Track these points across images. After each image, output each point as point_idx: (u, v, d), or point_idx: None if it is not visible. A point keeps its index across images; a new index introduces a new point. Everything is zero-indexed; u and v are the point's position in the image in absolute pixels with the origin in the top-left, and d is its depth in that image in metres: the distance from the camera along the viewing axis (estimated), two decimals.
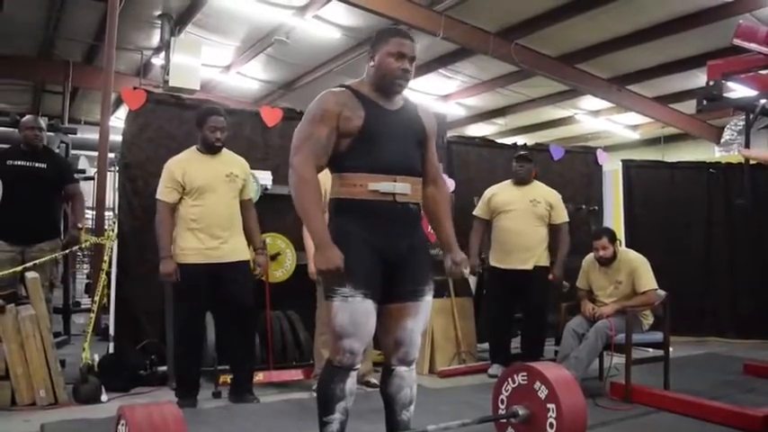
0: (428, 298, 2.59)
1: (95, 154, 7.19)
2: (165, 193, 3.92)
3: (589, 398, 3.68)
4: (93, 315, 4.53)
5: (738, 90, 4.97)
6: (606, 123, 15.17)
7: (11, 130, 6.18)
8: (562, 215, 5.09)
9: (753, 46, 4.45)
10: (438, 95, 13.53)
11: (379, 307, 2.46)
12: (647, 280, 4.42)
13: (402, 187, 2.47)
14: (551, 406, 2.80)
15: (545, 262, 4.98)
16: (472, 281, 5.73)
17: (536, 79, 11.64)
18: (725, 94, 4.67)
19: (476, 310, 5.63)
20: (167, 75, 9.80)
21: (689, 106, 12.77)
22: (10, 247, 4.57)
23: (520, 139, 7.75)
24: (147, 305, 4.79)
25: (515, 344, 5.67)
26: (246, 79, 12.90)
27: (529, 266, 4.88)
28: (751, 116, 4.69)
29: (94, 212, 7.52)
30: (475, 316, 5.58)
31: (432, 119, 2.72)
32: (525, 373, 2.98)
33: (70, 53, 11.65)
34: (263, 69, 12.43)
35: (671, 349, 4.49)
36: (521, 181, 5.08)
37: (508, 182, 5.19)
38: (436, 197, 2.73)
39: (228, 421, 3.58)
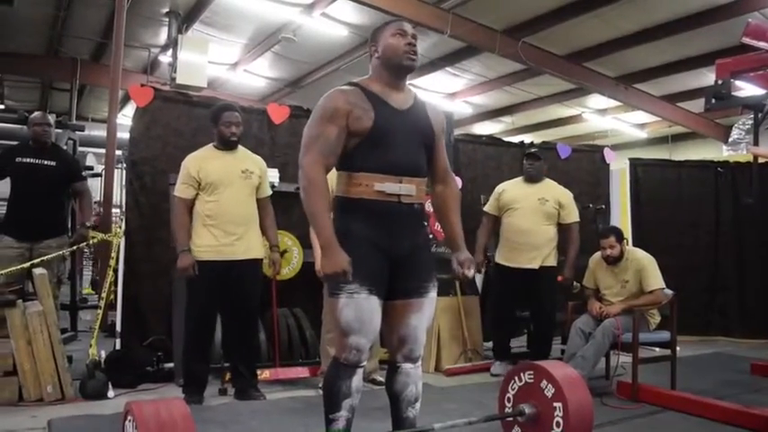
0: (432, 294, 2.58)
1: (103, 151, 7.24)
2: (181, 189, 3.95)
3: (596, 397, 3.69)
4: (99, 311, 4.54)
5: (747, 89, 4.94)
6: (613, 122, 15.12)
7: (18, 126, 6.20)
8: (573, 215, 5.02)
9: (762, 44, 4.43)
10: (445, 93, 13.52)
11: (383, 304, 2.46)
12: (655, 279, 4.41)
13: (407, 188, 2.47)
14: (558, 405, 2.80)
15: (552, 262, 4.93)
16: (479, 279, 5.73)
17: (543, 77, 11.62)
18: (733, 93, 4.64)
19: (482, 308, 5.62)
20: (175, 72, 9.82)
21: (697, 105, 12.73)
22: (18, 243, 4.59)
23: (527, 138, 7.74)
24: (153, 302, 4.81)
25: (521, 342, 5.68)
26: (253, 77, 12.92)
27: (535, 266, 4.84)
28: (759, 115, 4.66)
29: (102, 209, 7.56)
30: (481, 314, 5.57)
31: (441, 117, 2.71)
32: (532, 372, 2.97)
33: (78, 51, 11.68)
34: (270, 67, 12.44)
35: (678, 348, 4.48)
36: (531, 179, 5.05)
37: (519, 179, 5.17)
38: (445, 195, 2.72)
39: (235, 418, 3.59)
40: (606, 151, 7.09)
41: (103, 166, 7.34)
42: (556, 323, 5.11)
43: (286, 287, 4.81)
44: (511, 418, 3.02)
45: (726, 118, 13.52)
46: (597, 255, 4.67)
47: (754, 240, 7.06)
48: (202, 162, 3.96)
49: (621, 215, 7.42)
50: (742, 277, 7.11)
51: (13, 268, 4.34)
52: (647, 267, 4.44)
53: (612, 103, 13.43)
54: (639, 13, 9.17)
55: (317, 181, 2.38)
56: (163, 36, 10.74)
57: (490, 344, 5.41)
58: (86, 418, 3.54)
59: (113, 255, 4.66)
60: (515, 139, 7.22)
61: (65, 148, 6.00)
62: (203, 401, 3.93)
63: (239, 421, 3.53)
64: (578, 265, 4.99)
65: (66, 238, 4.82)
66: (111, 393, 4.02)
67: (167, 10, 9.98)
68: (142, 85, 5.17)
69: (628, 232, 6.75)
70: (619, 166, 7.66)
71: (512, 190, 5.04)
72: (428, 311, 2.58)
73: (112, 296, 5.04)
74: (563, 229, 5.00)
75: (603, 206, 6.63)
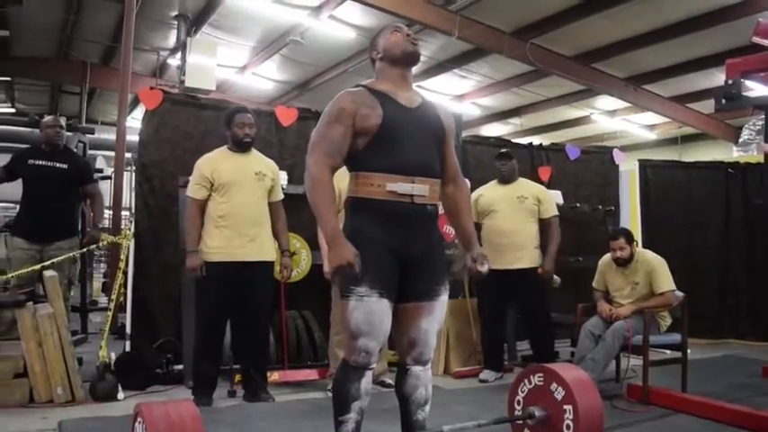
0: (444, 298, 2.57)
1: (112, 154, 7.27)
2: (194, 190, 3.96)
3: (606, 399, 3.66)
4: (109, 313, 4.56)
5: (757, 89, 4.91)
6: (622, 123, 15.08)
7: (29, 130, 6.24)
8: (551, 209, 5.02)
9: None
10: (453, 95, 13.51)
11: (393, 306, 2.45)
12: (665, 281, 4.38)
13: (420, 189, 2.45)
14: (568, 407, 2.78)
15: (538, 263, 4.89)
16: None
17: (551, 79, 11.60)
18: (744, 93, 4.62)
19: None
20: (183, 75, 9.88)
21: (706, 106, 12.68)
22: (29, 245, 4.62)
23: (535, 140, 7.70)
24: (163, 304, 4.83)
25: (524, 346, 5.63)
26: (262, 80, 12.96)
27: (521, 265, 4.78)
28: None
29: (111, 212, 7.59)
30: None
31: (450, 118, 2.71)
32: (542, 375, 2.96)
33: (87, 54, 11.77)
34: (278, 70, 12.49)
35: (689, 351, 4.45)
36: (505, 179, 5.03)
37: (493, 182, 5.14)
38: (456, 196, 2.71)
39: (244, 420, 3.59)
40: (615, 152, 7.07)
41: (113, 169, 7.37)
42: (552, 323, 5.09)
43: (295, 289, 4.81)
44: (520, 421, 3.01)
45: (736, 119, 13.46)
46: (607, 256, 4.64)
47: (765, 241, 7.01)
48: (216, 163, 3.97)
49: (631, 217, 7.38)
50: (753, 279, 7.05)
51: (24, 270, 4.36)
52: (657, 269, 4.41)
53: (621, 104, 13.40)
54: (648, 14, 9.14)
55: (321, 179, 2.40)
56: (172, 39, 10.80)
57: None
58: (96, 419, 3.55)
59: (123, 257, 4.68)
60: (524, 140, 7.20)
61: (75, 150, 6.03)
62: (213, 403, 3.93)
63: (248, 423, 3.53)
64: (585, 266, 4.96)
65: (76, 240, 4.85)
66: (120, 395, 4.03)
67: (176, 13, 10.04)
68: (151, 88, 5.19)
69: (638, 234, 6.71)
70: (628, 168, 7.63)
71: (488, 194, 5.01)
72: (439, 315, 2.57)
73: (122, 298, 5.06)
74: (543, 224, 4.98)
75: (613, 208, 6.61)
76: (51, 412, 3.67)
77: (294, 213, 4.80)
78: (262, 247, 3.98)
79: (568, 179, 6.66)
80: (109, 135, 9.47)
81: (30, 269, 4.38)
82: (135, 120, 11.67)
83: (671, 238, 6.84)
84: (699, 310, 5.30)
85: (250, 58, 11.87)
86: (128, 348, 4.57)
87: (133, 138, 5.98)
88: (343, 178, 2.59)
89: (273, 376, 4.38)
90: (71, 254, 4.65)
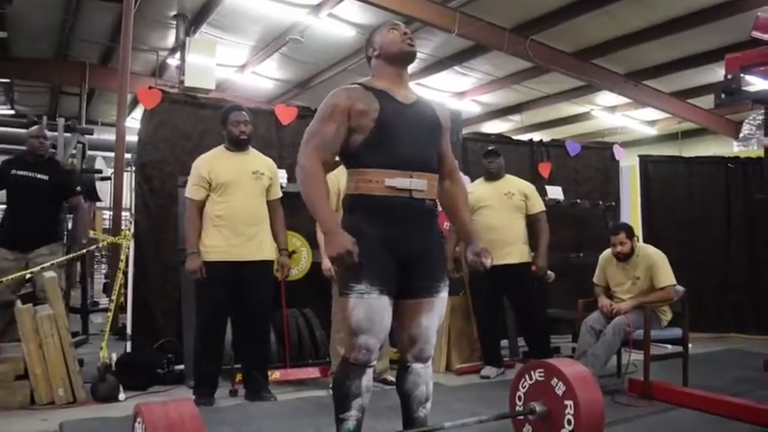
0: (443, 294, 2.57)
1: (112, 154, 7.27)
2: (192, 190, 3.96)
3: (607, 394, 3.66)
4: (110, 314, 4.56)
5: (757, 84, 4.89)
6: (623, 119, 15.08)
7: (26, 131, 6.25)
8: (539, 205, 5.02)
9: None
10: (453, 92, 13.51)
11: (394, 303, 2.45)
12: (666, 275, 4.37)
13: (418, 183, 2.45)
14: (569, 402, 2.78)
15: (527, 258, 4.88)
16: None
17: (552, 75, 11.60)
18: (744, 88, 4.60)
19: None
20: (183, 75, 9.88)
21: (707, 101, 12.68)
22: (13, 255, 4.64)
23: (536, 136, 7.70)
24: (163, 304, 4.83)
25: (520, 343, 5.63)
26: (261, 78, 12.96)
27: (510, 261, 4.76)
28: None
29: (112, 213, 7.60)
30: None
31: (446, 114, 2.71)
32: (542, 370, 2.95)
33: (86, 55, 11.78)
34: (277, 68, 12.49)
35: (690, 345, 4.44)
36: (492, 176, 5.03)
37: (480, 179, 5.14)
38: (454, 192, 2.71)
39: (245, 419, 3.58)
40: (616, 148, 7.06)
41: (113, 170, 7.37)
42: (546, 318, 5.08)
43: (295, 288, 4.81)
44: (522, 417, 3.00)
45: (736, 114, 13.45)
46: (608, 252, 4.63)
47: (766, 235, 7.00)
48: (213, 163, 3.97)
49: (632, 212, 7.38)
50: (754, 273, 7.05)
51: (9, 277, 4.36)
52: (657, 264, 4.40)
53: (622, 100, 13.40)
54: (648, 10, 9.13)
55: (313, 172, 2.41)
56: (171, 39, 10.80)
57: (503, 342, 5.39)
58: (98, 420, 3.54)
59: (123, 257, 4.67)
60: (524, 137, 7.20)
61: (74, 151, 6.03)
62: (214, 403, 3.93)
63: (250, 422, 3.53)
64: (586, 262, 4.96)
65: (59, 246, 4.85)
66: (122, 396, 4.03)
67: (175, 13, 10.04)
68: (150, 88, 5.18)
69: (638, 229, 6.71)
70: (629, 163, 7.62)
71: (476, 190, 4.99)
72: (439, 311, 2.57)
73: (122, 299, 5.06)
74: (531, 220, 4.97)
75: (613, 203, 6.61)
76: (52, 414, 3.67)
77: (294, 212, 4.79)
78: (260, 247, 3.98)
79: (569, 175, 6.65)
80: (108, 135, 9.49)
81: (10, 276, 4.36)
82: (135, 120, 11.65)
83: (672, 232, 6.84)
84: (700, 305, 5.30)
85: (249, 57, 11.87)
86: (128, 349, 4.57)
87: (133, 138, 5.98)
88: (343, 175, 2.59)
89: (275, 375, 4.37)
90: (55, 259, 4.65)
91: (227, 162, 3.98)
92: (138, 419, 2.23)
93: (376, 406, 2.94)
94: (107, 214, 8.30)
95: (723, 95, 4.55)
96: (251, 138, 4.11)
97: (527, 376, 3.02)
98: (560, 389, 2.83)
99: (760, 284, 6.99)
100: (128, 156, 7.43)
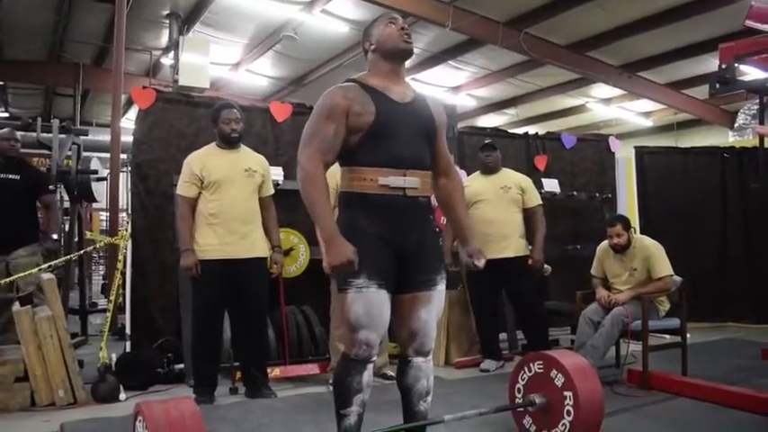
0: (441, 287, 2.57)
1: (108, 155, 7.26)
2: (184, 188, 3.96)
3: (607, 385, 3.69)
4: (108, 315, 4.56)
5: (752, 73, 4.90)
6: (618, 111, 15.08)
7: (22, 133, 6.22)
8: (535, 198, 5.03)
9: (765, 27, 4.39)
10: (448, 87, 13.51)
11: (392, 298, 2.45)
12: (663, 266, 4.39)
13: (412, 182, 2.45)
14: (568, 394, 2.79)
15: (524, 251, 4.90)
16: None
17: (546, 68, 11.60)
18: (738, 78, 4.61)
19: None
20: (177, 74, 9.85)
21: (702, 91, 12.67)
22: None
23: (531, 129, 7.70)
24: (162, 303, 4.83)
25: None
26: (256, 76, 12.94)
27: (507, 255, 4.78)
28: (765, 98, 4.63)
29: (108, 213, 7.58)
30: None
31: (441, 110, 2.70)
32: (541, 362, 2.97)
33: (80, 56, 11.73)
34: (272, 66, 12.46)
35: (688, 335, 4.46)
36: (489, 170, 5.03)
37: (477, 173, 5.15)
38: (450, 188, 2.71)
39: (246, 416, 3.59)
40: (611, 140, 7.07)
41: (108, 170, 7.36)
42: (543, 312, 5.10)
43: (294, 285, 4.81)
44: (521, 409, 3.02)
45: (731, 104, 13.46)
46: (605, 243, 4.64)
47: (763, 225, 7.03)
48: (205, 160, 3.97)
49: (628, 203, 7.39)
50: (751, 262, 7.08)
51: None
52: (654, 254, 4.41)
53: (617, 91, 13.40)
54: (641, 1, 9.12)
55: (314, 174, 2.38)
56: (164, 38, 10.77)
57: (502, 335, 5.39)
58: (98, 420, 3.55)
59: (120, 258, 4.67)
60: (520, 130, 7.20)
61: (69, 153, 6.02)
62: (214, 401, 3.94)
63: (250, 419, 3.54)
64: (583, 254, 4.97)
65: (38, 247, 4.88)
66: (122, 396, 4.03)
67: (168, 12, 10.01)
68: (144, 88, 5.17)
69: (635, 220, 6.73)
70: (625, 155, 7.63)
71: (473, 184, 5.00)
72: (437, 304, 2.57)
73: (121, 299, 5.06)
74: (528, 213, 4.98)
75: (610, 195, 6.62)
76: (53, 415, 3.67)
77: (291, 209, 4.81)
78: (254, 244, 3.98)
79: (565, 168, 6.67)
80: (104, 136, 9.45)
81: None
82: (129, 120, 11.63)
83: (668, 223, 6.86)
84: (698, 295, 5.32)
85: (243, 54, 11.84)
86: (128, 349, 4.57)
87: (128, 138, 5.96)
88: (339, 172, 2.59)
89: (275, 372, 4.38)
90: (34, 259, 4.70)
91: (219, 160, 3.98)
92: (139, 418, 2.24)
93: (376, 400, 2.94)
94: (104, 215, 8.27)
95: (717, 85, 4.57)
96: (242, 135, 4.11)
97: (526, 368, 3.03)
98: (559, 380, 2.84)
99: (756, 273, 7.03)
100: (123, 156, 7.43)
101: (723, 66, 4.54)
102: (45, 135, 5.89)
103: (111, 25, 9.13)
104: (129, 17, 8.09)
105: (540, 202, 5.08)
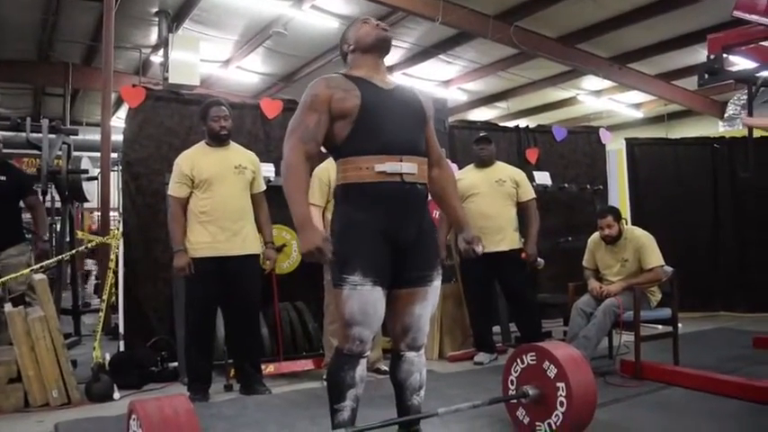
0: (436, 283, 2.58)
1: (98, 155, 7.23)
2: (174, 188, 3.95)
3: (599, 376, 3.71)
4: (101, 314, 4.55)
5: (741, 64, 4.92)
6: (609, 103, 15.11)
7: (12, 134, 6.19)
8: (529, 192, 5.05)
9: (753, 17, 4.40)
10: (439, 81, 13.49)
11: (387, 293, 2.45)
12: (654, 257, 4.41)
13: (408, 167, 2.44)
14: (561, 384, 2.80)
15: (518, 245, 4.92)
16: None
17: (537, 61, 11.60)
18: (727, 68, 4.62)
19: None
20: (167, 72, 9.82)
21: (691, 82, 12.63)
22: None
23: (522, 122, 7.71)
24: (155, 302, 4.82)
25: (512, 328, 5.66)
26: (246, 73, 12.90)
27: (502, 248, 4.80)
28: (753, 88, 4.65)
29: (100, 213, 7.56)
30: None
31: (429, 100, 2.71)
32: (534, 354, 2.98)
33: (69, 55, 11.67)
34: (262, 63, 12.43)
35: (680, 325, 4.49)
36: (483, 163, 5.04)
37: (471, 166, 5.16)
38: (442, 179, 2.72)
39: (241, 413, 3.60)
40: (602, 132, 7.09)
41: (99, 170, 7.33)
42: (536, 304, 5.12)
43: (286, 281, 4.81)
44: (515, 400, 3.03)
45: (721, 94, 13.50)
46: (596, 235, 4.66)
47: (754, 214, 7.06)
48: (195, 159, 3.96)
49: (620, 195, 7.42)
50: (742, 251, 7.12)
51: None
52: (645, 245, 4.44)
53: (607, 83, 13.41)
54: None
55: (293, 164, 2.42)
56: (153, 36, 10.73)
57: (495, 328, 5.41)
58: (93, 420, 3.54)
59: (112, 257, 4.66)
60: (511, 123, 7.21)
61: (59, 153, 5.99)
62: (209, 398, 3.94)
63: (245, 415, 3.54)
64: (574, 246, 4.98)
65: (26, 246, 4.91)
66: (116, 395, 4.03)
67: (157, 9, 9.96)
68: (134, 86, 5.15)
69: (626, 212, 6.75)
70: (616, 147, 7.66)
71: (467, 177, 5.01)
72: (432, 300, 2.58)
73: (114, 299, 5.05)
74: (522, 207, 5.01)
75: (601, 187, 6.64)
76: (47, 416, 3.67)
77: (283, 205, 4.69)
78: (246, 241, 3.97)
79: (556, 160, 6.68)
80: (94, 135, 9.42)
81: None
82: (120, 119, 11.58)
83: (660, 214, 6.89)
84: (689, 285, 5.34)
85: (233, 51, 11.80)
86: (122, 348, 4.57)
87: (118, 137, 5.94)
88: (333, 168, 2.59)
89: (269, 368, 4.39)
90: (23, 259, 4.71)
91: (209, 158, 3.97)
92: (133, 416, 2.24)
93: (369, 395, 2.95)
94: (95, 215, 8.25)
95: (706, 76, 4.58)
96: (231, 132, 4.10)
97: (519, 360, 3.05)
98: (552, 371, 2.85)
99: (747, 263, 7.07)
100: (114, 155, 7.39)
101: (711, 57, 4.56)
102: (35, 135, 5.84)
103: (99, 24, 9.09)
104: (118, 15, 8.06)
105: (534, 196, 5.09)
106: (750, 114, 4.70)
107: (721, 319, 6.73)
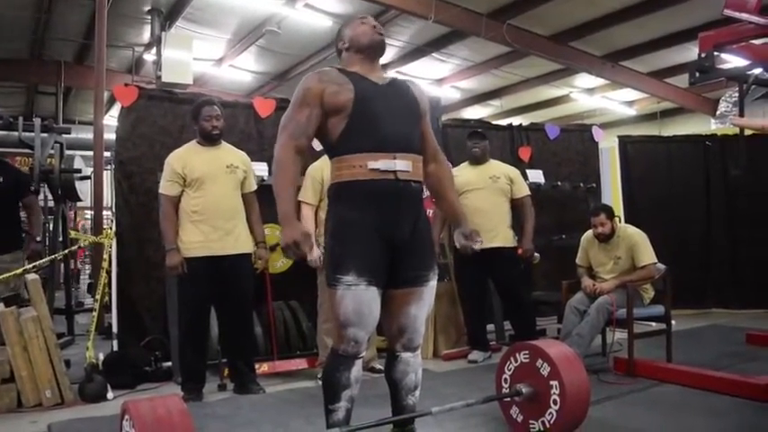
0: (432, 283, 2.56)
1: (91, 153, 7.20)
2: (166, 186, 3.94)
3: (593, 373, 3.72)
4: (95, 314, 4.54)
5: (732, 61, 4.94)
6: (602, 101, 15.14)
7: (4, 133, 6.17)
8: (524, 189, 5.07)
9: (744, 16, 4.41)
10: (432, 79, 13.50)
11: (382, 292, 2.44)
12: (647, 254, 4.42)
13: (402, 164, 2.43)
14: (554, 383, 2.81)
15: (512, 242, 4.93)
16: None
17: (530, 59, 11.61)
18: (719, 66, 4.64)
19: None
20: (160, 70, 9.77)
21: (684, 80, 12.68)
22: None
23: (516, 120, 7.72)
24: (148, 301, 4.81)
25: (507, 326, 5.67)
26: (239, 72, 12.87)
27: (496, 244, 4.79)
28: (744, 86, 4.67)
29: (93, 212, 7.53)
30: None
31: (424, 94, 2.70)
32: (527, 352, 2.99)
33: (61, 53, 11.62)
34: (255, 61, 12.40)
35: (673, 322, 4.50)
36: (477, 160, 5.04)
37: (465, 163, 5.16)
38: (439, 174, 2.71)
39: (235, 412, 3.60)
40: (595, 129, 7.10)
41: (92, 169, 7.30)
42: (530, 302, 5.13)
43: (280, 280, 4.81)
44: (509, 399, 3.04)
45: (713, 92, 13.55)
46: (589, 233, 4.68)
47: (746, 211, 7.09)
48: (186, 158, 3.95)
49: (613, 193, 7.44)
50: (735, 249, 7.16)
51: None
52: (638, 243, 4.45)
53: (600, 81, 13.45)
54: None
55: (283, 161, 2.42)
56: (146, 34, 10.67)
57: (489, 326, 5.42)
58: (86, 420, 3.54)
59: (105, 257, 4.65)
60: (504, 122, 7.21)
61: (51, 152, 5.97)
62: (203, 398, 3.93)
63: (240, 415, 3.54)
64: (568, 243, 5.00)
65: (20, 254, 4.83)
66: (110, 395, 4.01)
67: (149, 8, 9.92)
68: (126, 85, 5.13)
69: (619, 209, 6.77)
70: (608, 145, 7.68)
71: (462, 174, 5.00)
72: (428, 300, 2.57)
73: (107, 298, 5.03)
74: (516, 203, 5.02)
75: (594, 185, 6.65)
76: (40, 416, 3.65)
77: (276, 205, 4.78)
78: (238, 240, 3.97)
79: (549, 158, 6.69)
80: (86, 134, 9.35)
81: None
82: (112, 118, 11.50)
83: (652, 212, 6.91)
84: (682, 282, 5.37)
85: (227, 50, 11.77)
86: (115, 348, 4.55)
87: (111, 136, 5.92)
88: (327, 166, 2.59)
89: (263, 368, 4.38)
90: (16, 266, 4.61)
91: (200, 157, 3.96)
92: (126, 417, 2.23)
93: (364, 394, 2.95)
94: (88, 214, 8.21)
95: (697, 74, 4.60)
96: (223, 132, 4.09)
97: (513, 359, 3.05)
98: (545, 369, 2.86)
99: (740, 260, 7.11)
100: (107, 154, 7.35)
101: (702, 55, 4.57)
102: (27, 134, 5.82)
103: (92, 22, 9.03)
104: (111, 13, 8.00)
105: (529, 193, 5.10)
106: (741, 112, 4.71)
107: (714, 316, 6.76)
